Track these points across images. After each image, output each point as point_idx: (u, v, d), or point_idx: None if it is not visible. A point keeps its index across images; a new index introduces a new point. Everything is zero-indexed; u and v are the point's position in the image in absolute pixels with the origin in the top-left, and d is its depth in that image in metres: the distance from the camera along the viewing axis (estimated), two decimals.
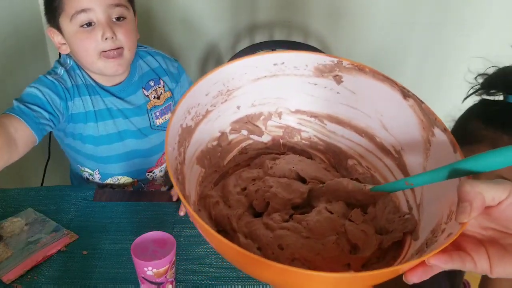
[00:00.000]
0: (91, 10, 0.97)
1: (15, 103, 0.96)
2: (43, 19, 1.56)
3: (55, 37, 1.04)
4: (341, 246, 0.50)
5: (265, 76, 0.58)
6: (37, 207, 0.98)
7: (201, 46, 1.66)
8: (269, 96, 0.61)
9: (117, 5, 1.00)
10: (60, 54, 1.13)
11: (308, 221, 0.52)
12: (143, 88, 1.15)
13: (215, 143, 0.59)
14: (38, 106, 0.97)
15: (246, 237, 0.51)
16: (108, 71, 1.03)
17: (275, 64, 0.58)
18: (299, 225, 0.52)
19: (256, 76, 0.58)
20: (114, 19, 1.00)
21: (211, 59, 1.70)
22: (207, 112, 0.56)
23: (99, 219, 0.97)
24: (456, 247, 0.42)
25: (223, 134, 0.60)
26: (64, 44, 1.04)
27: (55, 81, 1.02)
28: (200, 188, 0.56)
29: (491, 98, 0.88)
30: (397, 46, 1.65)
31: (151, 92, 1.16)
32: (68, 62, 1.09)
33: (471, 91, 0.90)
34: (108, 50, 0.99)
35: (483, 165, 0.42)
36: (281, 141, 0.64)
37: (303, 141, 0.64)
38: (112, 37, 0.98)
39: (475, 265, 0.41)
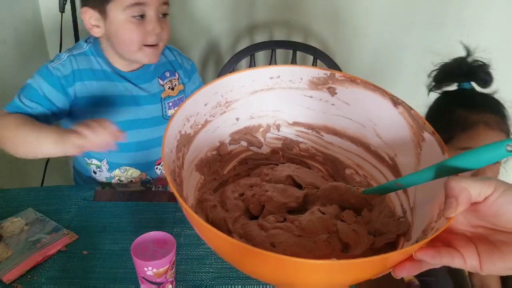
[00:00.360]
0: (146, 5, 1.00)
1: (15, 97, 1.02)
2: (43, 19, 1.57)
3: (89, 18, 1.04)
4: (332, 244, 0.52)
5: (262, 89, 0.61)
6: (37, 207, 0.98)
7: (201, 46, 1.66)
8: (267, 109, 0.63)
9: (165, 3, 1.04)
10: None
11: (301, 221, 0.54)
12: (158, 77, 1.17)
13: (214, 152, 0.62)
14: (33, 101, 1.01)
15: (241, 237, 0.54)
16: (145, 60, 1.06)
17: (271, 78, 0.60)
18: (292, 225, 0.54)
19: (253, 89, 0.61)
20: (160, 15, 1.04)
21: (211, 59, 1.70)
22: (206, 122, 0.59)
23: (99, 219, 0.97)
24: (446, 244, 0.43)
25: (222, 144, 0.62)
26: (97, 26, 1.04)
27: (52, 69, 1.05)
28: (199, 194, 0.58)
29: (441, 90, 1.00)
30: (397, 45, 1.65)
31: (166, 83, 1.18)
32: (84, 47, 1.10)
33: (429, 86, 1.01)
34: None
35: (469, 163, 0.44)
36: (280, 152, 0.65)
37: (302, 153, 0.66)
38: (159, 33, 1.03)
39: (464, 262, 0.41)
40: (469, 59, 0.97)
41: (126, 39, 1.02)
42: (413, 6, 1.57)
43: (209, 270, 0.86)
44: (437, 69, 1.00)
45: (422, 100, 1.70)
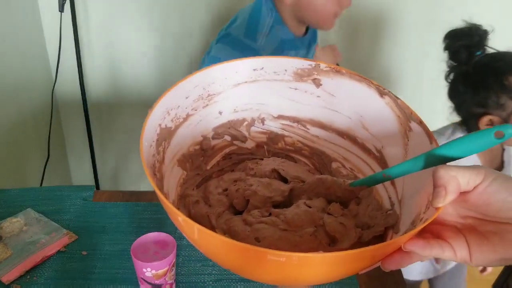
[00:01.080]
0: None
1: None
2: (43, 19, 1.56)
3: None
4: (319, 238, 0.52)
5: (246, 82, 0.60)
6: (36, 207, 0.98)
7: (201, 47, 1.66)
8: (250, 102, 0.62)
9: None
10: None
11: (286, 215, 0.54)
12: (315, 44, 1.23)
13: (197, 147, 0.61)
14: None
15: (225, 233, 0.53)
16: (328, 28, 1.12)
17: (254, 70, 0.59)
18: (277, 219, 0.53)
19: (236, 82, 0.60)
20: None
21: None
22: (188, 115, 0.58)
23: (99, 219, 0.97)
24: (436, 236, 0.43)
25: (205, 138, 0.61)
26: None
27: (259, 49, 1.04)
28: (181, 189, 0.58)
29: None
30: (397, 46, 1.65)
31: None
32: (270, 15, 1.09)
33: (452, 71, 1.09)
34: None
35: (457, 151, 0.43)
36: (265, 147, 0.65)
37: (287, 147, 0.66)
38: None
39: (454, 254, 0.41)
40: (472, 29, 1.03)
41: (325, 9, 1.07)
42: (413, 6, 1.57)
43: (211, 272, 0.85)
44: (455, 50, 1.05)
45: (426, 98, 1.70)
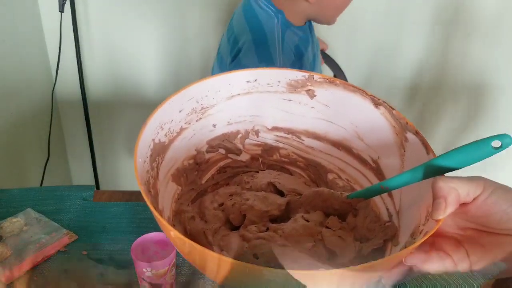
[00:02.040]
0: None
1: None
2: (43, 19, 1.56)
3: None
4: (318, 253, 0.50)
5: (239, 94, 0.59)
6: (36, 207, 0.97)
7: (200, 49, 1.66)
8: (244, 114, 0.61)
9: None
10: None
11: (284, 229, 0.52)
12: None
13: (191, 161, 0.59)
14: None
15: (222, 250, 0.51)
16: (334, 22, 1.15)
17: (248, 82, 0.58)
18: (275, 234, 0.52)
19: (230, 94, 0.58)
20: None
21: (211, 61, 1.69)
22: (182, 129, 0.56)
23: (99, 219, 0.96)
24: (436, 248, 0.42)
25: (199, 152, 0.60)
26: None
27: (287, 60, 1.04)
28: (176, 205, 0.56)
29: None
30: (398, 45, 1.64)
31: None
32: (277, 20, 1.07)
33: None
34: None
35: (455, 161, 0.42)
36: (260, 159, 0.63)
37: (282, 158, 0.64)
38: None
39: (455, 266, 0.40)
40: None
41: (344, 5, 1.10)
42: (414, 6, 1.56)
43: None
44: None
45: (421, 100, 1.69)
